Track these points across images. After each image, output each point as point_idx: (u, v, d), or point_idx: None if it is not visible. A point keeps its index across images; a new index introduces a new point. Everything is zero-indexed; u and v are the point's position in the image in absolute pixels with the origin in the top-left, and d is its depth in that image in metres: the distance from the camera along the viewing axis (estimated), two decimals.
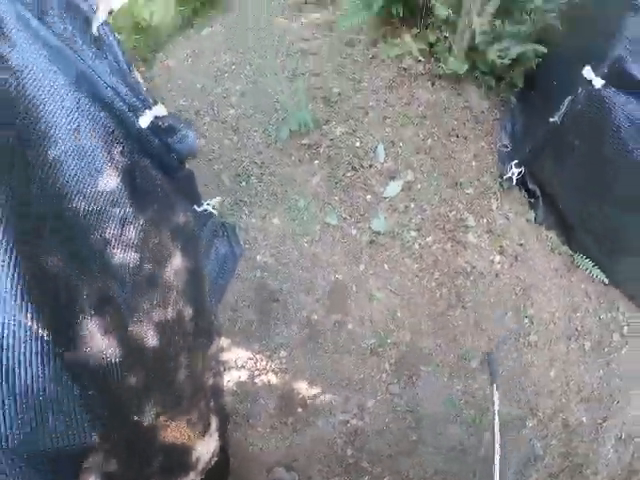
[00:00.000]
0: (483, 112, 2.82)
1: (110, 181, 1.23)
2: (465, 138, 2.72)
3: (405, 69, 2.84)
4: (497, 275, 2.47)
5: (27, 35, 1.08)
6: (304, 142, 2.62)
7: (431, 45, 2.83)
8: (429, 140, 2.67)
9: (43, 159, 1.03)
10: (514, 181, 2.56)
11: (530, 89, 2.70)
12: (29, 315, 0.86)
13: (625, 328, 2.51)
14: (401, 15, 2.87)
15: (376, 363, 2.36)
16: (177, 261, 1.64)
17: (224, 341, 2.42)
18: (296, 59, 3.11)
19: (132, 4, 4.25)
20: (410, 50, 2.86)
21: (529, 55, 2.50)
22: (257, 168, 2.65)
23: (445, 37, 2.77)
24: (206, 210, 2.21)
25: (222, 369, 2.37)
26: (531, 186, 2.61)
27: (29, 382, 0.86)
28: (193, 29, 4.15)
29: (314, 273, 2.43)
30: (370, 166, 2.56)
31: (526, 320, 2.41)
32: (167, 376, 1.55)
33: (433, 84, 2.87)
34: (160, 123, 1.51)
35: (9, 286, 0.84)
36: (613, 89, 1.87)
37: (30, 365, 0.86)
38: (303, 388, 2.34)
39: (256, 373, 2.36)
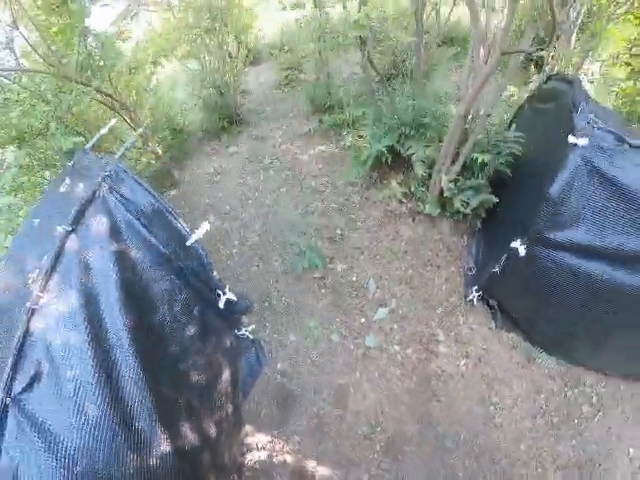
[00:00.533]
0: (454, 241, 3.64)
1: (193, 329, 2.08)
2: (438, 266, 3.53)
3: (391, 211, 3.70)
4: (463, 375, 3.21)
5: (138, 239, 1.88)
6: (315, 275, 3.44)
7: (411, 190, 3.68)
8: (409, 271, 3.49)
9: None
10: (475, 302, 3.35)
11: (491, 219, 3.50)
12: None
13: (594, 398, 2.85)
14: (389, 163, 3.74)
15: (369, 446, 3.02)
16: (226, 371, 2.44)
17: (249, 427, 3.15)
18: (307, 195, 3.97)
19: (169, 111, 5.14)
20: (395, 194, 3.72)
21: (486, 202, 3.34)
22: (277, 292, 3.45)
23: (422, 186, 3.63)
24: (244, 334, 3.01)
25: (246, 450, 3.09)
26: (490, 302, 3.40)
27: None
28: (221, 142, 5.04)
29: (322, 378, 3.16)
30: (364, 296, 3.37)
31: (491, 407, 2.88)
32: (211, 457, 2.27)
33: (414, 220, 3.71)
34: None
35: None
36: (537, 248, 2.59)
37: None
38: (311, 465, 2.98)
39: (273, 454, 3.05)
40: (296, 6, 5.08)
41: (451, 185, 3.36)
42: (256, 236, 3.84)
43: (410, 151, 3.50)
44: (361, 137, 4.47)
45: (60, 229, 1.65)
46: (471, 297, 3.28)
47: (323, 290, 3.42)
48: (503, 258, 2.90)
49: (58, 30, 3.31)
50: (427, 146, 3.39)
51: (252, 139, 4.96)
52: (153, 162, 4.41)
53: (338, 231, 3.67)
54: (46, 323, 1.47)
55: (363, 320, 3.28)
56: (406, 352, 3.15)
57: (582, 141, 2.17)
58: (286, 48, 6.42)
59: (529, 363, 3.02)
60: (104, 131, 2.30)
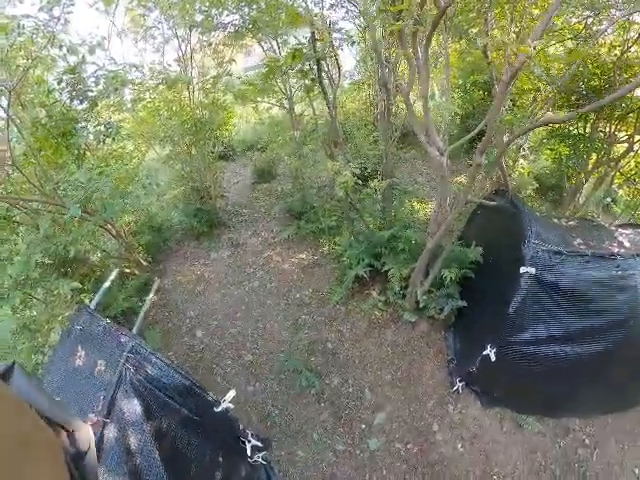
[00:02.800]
0: (433, 337, 4.08)
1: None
2: (423, 363, 3.92)
3: (374, 319, 4.10)
4: (462, 455, 3.43)
5: (168, 411, 1.95)
6: (312, 392, 3.64)
7: (390, 300, 4.13)
8: (398, 373, 3.83)
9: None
10: (460, 391, 3.75)
11: (463, 315, 4.00)
12: None
13: (586, 439, 3.22)
14: (367, 278, 4.18)
15: None
16: None
17: None
18: (294, 308, 4.26)
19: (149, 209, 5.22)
20: (376, 304, 4.15)
21: (457, 307, 3.84)
22: (278, 411, 3.56)
23: (399, 297, 4.09)
24: (257, 461, 3.08)
25: None
26: (474, 387, 3.78)
27: None
28: (201, 246, 5.21)
29: None
30: (361, 404, 3.62)
31: (494, 477, 3.16)
32: None
33: (395, 324, 4.13)
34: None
35: None
36: (504, 349, 3.17)
37: None
38: None
39: None
40: (275, 125, 5.62)
41: (425, 297, 3.87)
42: (249, 354, 3.98)
43: (386, 267, 4.00)
44: (337, 245, 4.95)
45: (95, 418, 1.65)
46: (456, 387, 3.68)
47: (322, 404, 3.62)
48: (477, 360, 3.38)
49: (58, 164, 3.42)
50: (402, 265, 3.91)
51: (232, 245, 5.20)
52: (137, 273, 4.45)
53: (329, 345, 3.96)
54: None
55: (363, 426, 3.51)
56: (407, 447, 3.39)
57: (531, 270, 2.93)
58: (258, 146, 6.92)
59: (519, 429, 3.39)
60: (107, 285, 2.39)
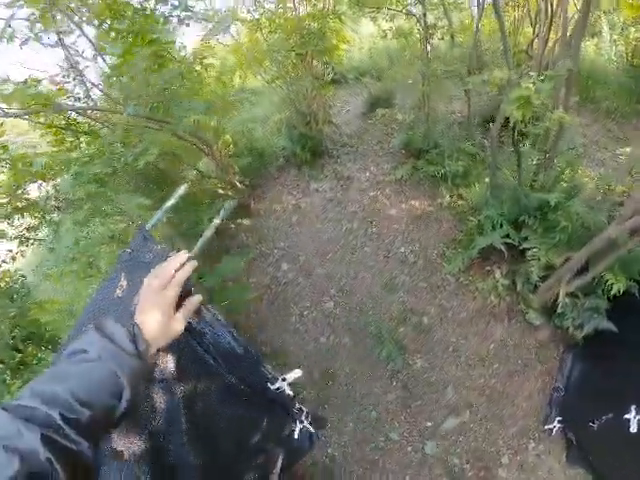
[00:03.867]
0: (549, 351, 3.07)
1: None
2: (525, 379, 2.99)
3: (487, 305, 3.19)
4: None
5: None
6: (389, 367, 3.06)
7: (517, 287, 3.13)
8: (492, 380, 2.98)
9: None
10: (553, 432, 2.80)
11: (598, 343, 2.88)
12: None
13: None
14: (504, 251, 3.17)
15: None
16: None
17: None
18: (394, 263, 3.56)
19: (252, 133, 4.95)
20: (497, 287, 3.19)
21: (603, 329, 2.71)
22: (344, 374, 3.12)
23: (531, 288, 3.06)
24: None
25: None
26: (569, 434, 2.80)
27: None
28: (302, 176, 4.73)
29: (370, 474, 2.84)
30: (437, 400, 2.94)
31: None
32: None
33: (510, 320, 3.17)
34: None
35: None
36: None
37: None
38: None
39: None
40: (400, 35, 4.51)
41: (567, 301, 2.78)
42: (331, 301, 3.52)
43: (527, 245, 2.94)
44: (461, 197, 3.94)
45: None
46: (551, 426, 2.77)
47: (395, 383, 3.04)
48: (603, 418, 2.42)
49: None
50: (551, 248, 2.80)
51: (336, 178, 4.58)
52: (230, 194, 4.22)
53: (425, 319, 3.22)
54: None
55: (429, 424, 2.89)
56: (464, 467, 2.76)
57: None
58: (374, 73, 5.89)
59: None
60: (170, 203, 1.92)
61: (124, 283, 1.48)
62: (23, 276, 3.57)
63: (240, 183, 4.44)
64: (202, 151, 3.63)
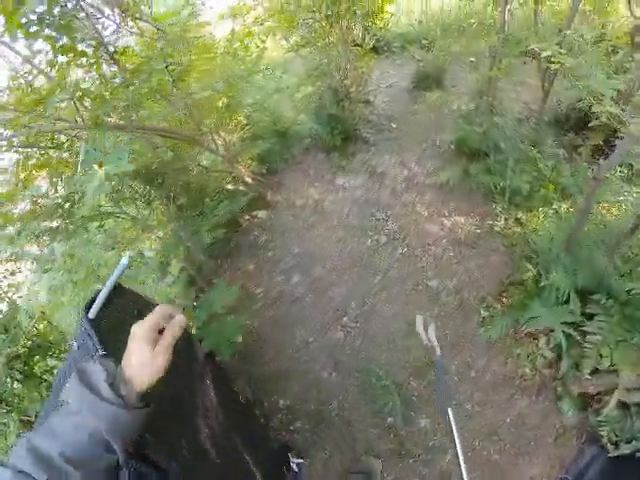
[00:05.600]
0: (568, 441, 2.47)
1: None
2: (532, 462, 2.42)
3: (516, 374, 2.59)
4: None
5: None
6: (389, 420, 2.58)
7: (559, 366, 2.48)
8: (496, 456, 2.45)
9: None
10: None
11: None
12: None
13: None
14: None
15: None
16: None
17: None
18: (422, 296, 2.97)
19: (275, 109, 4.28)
20: (535, 358, 2.57)
21: None
22: (341, 415, 2.64)
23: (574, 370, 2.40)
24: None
25: None
26: None
27: None
28: (329, 165, 4.04)
29: None
30: (431, 464, 2.40)
31: None
32: None
33: (539, 397, 2.56)
34: None
35: None
36: None
37: None
38: None
39: None
40: None
41: (617, 412, 2.15)
42: (341, 332, 3.00)
43: (592, 329, 2.20)
44: (519, 222, 3.18)
45: None
46: None
47: (392, 436, 2.61)
48: None
49: None
50: (621, 345, 2.08)
51: (367, 172, 3.86)
52: (241, 189, 3.64)
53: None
54: None
55: None
56: None
57: None
58: (424, 43, 4.81)
59: None
60: (113, 279, 1.29)
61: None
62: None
63: (255, 174, 3.84)
64: (199, 144, 3.01)
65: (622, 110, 1.54)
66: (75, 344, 1.17)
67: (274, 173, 4.19)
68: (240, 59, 4.10)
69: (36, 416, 2.17)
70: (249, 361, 3.01)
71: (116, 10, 2.19)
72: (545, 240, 2.59)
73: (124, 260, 1.13)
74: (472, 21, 3.88)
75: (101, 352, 1.06)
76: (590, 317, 2.21)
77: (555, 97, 3.80)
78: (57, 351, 2.74)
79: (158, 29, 2.39)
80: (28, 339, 2.37)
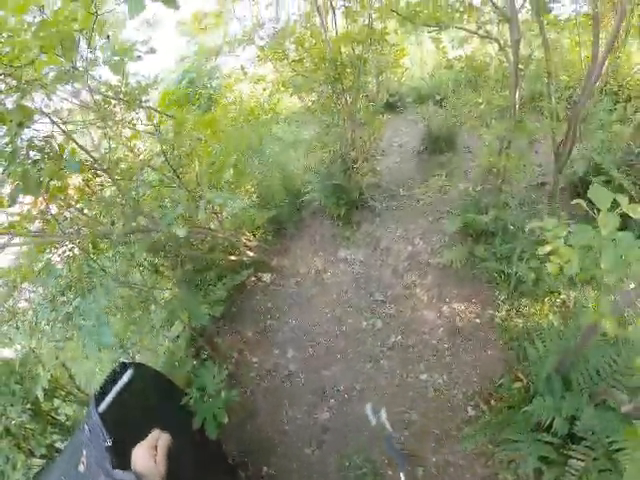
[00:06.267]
0: None
1: None
2: None
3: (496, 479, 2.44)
4: None
5: None
6: None
7: None
8: None
9: None
10: None
11: None
12: None
13: None
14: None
15: None
16: None
17: None
18: (411, 391, 2.88)
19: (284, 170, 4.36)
20: (517, 464, 2.39)
21: None
22: None
23: None
24: None
25: None
26: None
27: None
28: (332, 234, 4.04)
29: None
30: None
31: None
32: None
33: None
34: None
35: None
36: None
37: None
38: None
39: None
40: (471, 68, 3.36)
41: None
42: (328, 413, 3.00)
43: (575, 455, 2.02)
44: (520, 314, 3.01)
45: None
46: None
47: None
48: None
49: None
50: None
51: (369, 245, 3.83)
52: (247, 260, 3.74)
53: (420, 471, 2.58)
54: None
55: None
56: None
57: None
58: (438, 97, 4.66)
59: None
60: (121, 385, 1.51)
61: (84, 460, 1.54)
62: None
63: (260, 241, 3.94)
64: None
65: None
66: (87, 428, 1.53)
67: (281, 236, 4.27)
68: (253, 123, 4.25)
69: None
70: (240, 426, 3.11)
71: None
72: (539, 354, 2.43)
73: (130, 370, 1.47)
74: (485, 74, 3.72)
75: (109, 442, 1.47)
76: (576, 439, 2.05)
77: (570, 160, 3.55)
78: (64, 393, 3.00)
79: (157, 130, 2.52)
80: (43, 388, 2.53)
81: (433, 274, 3.44)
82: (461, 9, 2.40)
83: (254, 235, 4.00)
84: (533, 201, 3.44)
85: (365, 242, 3.85)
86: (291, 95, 4.22)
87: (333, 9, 3.28)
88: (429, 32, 2.71)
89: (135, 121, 2.84)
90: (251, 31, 3.67)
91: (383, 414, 1.98)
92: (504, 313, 3.03)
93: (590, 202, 1.31)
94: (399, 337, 3.16)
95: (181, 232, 2.10)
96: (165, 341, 3.63)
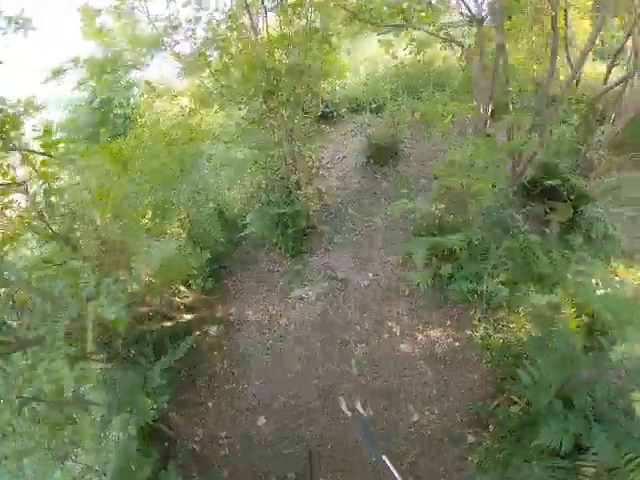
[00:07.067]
0: None
1: None
2: None
3: None
4: None
5: None
6: None
7: None
8: None
9: None
10: None
11: None
12: None
13: None
14: None
15: None
16: None
17: None
18: (386, 435, 2.55)
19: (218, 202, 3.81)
20: None
21: None
22: None
23: None
24: None
25: None
26: None
27: None
28: (282, 271, 3.55)
29: None
30: None
31: None
32: None
33: None
34: None
35: None
36: None
37: None
38: None
39: None
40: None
41: None
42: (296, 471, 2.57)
43: None
44: (499, 327, 2.86)
45: None
46: None
47: None
48: None
49: None
50: None
51: (328, 278, 3.41)
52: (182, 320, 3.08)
53: None
54: None
55: None
56: None
57: None
58: (374, 105, 4.46)
59: None
60: None
61: None
62: None
63: (197, 292, 3.30)
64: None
65: None
66: None
67: (223, 277, 3.67)
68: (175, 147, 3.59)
69: None
70: None
71: None
72: (533, 380, 2.26)
73: None
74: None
75: None
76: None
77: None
78: None
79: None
80: None
81: (401, 302, 3.16)
82: (419, 8, 2.07)
83: (189, 286, 3.33)
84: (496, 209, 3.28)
85: (320, 275, 3.43)
86: (215, 112, 3.64)
87: (265, 8, 2.78)
88: (380, 34, 2.37)
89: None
90: (162, 34, 2.98)
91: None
92: (482, 331, 2.85)
93: None
94: (379, 380, 2.81)
95: None
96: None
